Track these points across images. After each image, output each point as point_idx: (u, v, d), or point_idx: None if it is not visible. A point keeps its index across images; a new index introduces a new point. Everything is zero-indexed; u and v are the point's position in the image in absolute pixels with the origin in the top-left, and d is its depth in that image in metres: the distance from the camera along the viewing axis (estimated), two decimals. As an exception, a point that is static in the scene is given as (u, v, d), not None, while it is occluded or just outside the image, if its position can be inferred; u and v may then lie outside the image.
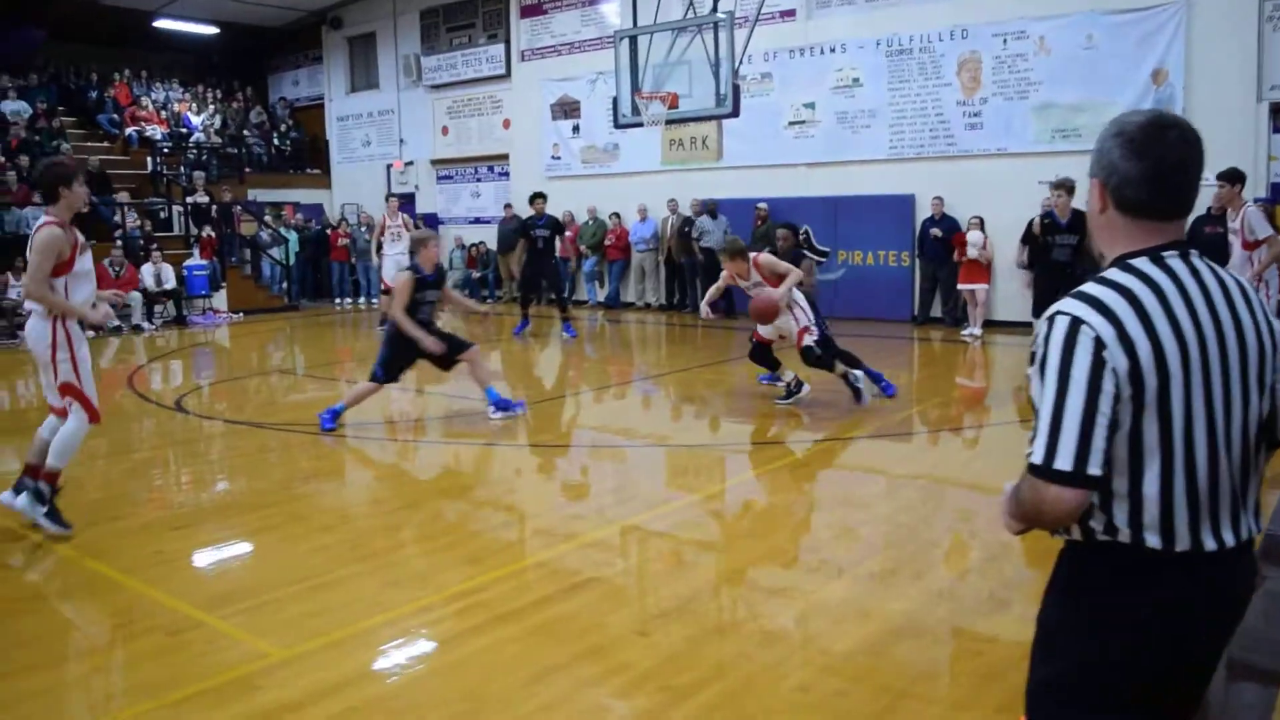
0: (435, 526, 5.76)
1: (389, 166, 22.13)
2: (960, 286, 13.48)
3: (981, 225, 13.23)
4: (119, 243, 16.76)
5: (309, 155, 23.40)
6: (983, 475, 6.62)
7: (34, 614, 4.45)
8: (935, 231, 14.03)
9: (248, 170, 21.55)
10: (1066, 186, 9.48)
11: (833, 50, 15.32)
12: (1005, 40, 13.69)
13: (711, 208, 16.06)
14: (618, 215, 17.62)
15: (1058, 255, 9.55)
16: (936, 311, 14.56)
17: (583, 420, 9.29)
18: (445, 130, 21.16)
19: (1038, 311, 9.31)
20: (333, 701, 3.53)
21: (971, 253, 13.17)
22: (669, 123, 13.01)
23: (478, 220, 20.67)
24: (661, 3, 12.71)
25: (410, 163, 21.78)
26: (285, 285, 19.28)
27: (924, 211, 14.42)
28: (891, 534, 5.38)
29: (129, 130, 20.65)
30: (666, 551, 5.24)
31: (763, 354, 8.91)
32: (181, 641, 4.06)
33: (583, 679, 3.68)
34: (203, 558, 5.29)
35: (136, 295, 16.01)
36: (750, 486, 6.63)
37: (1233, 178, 8.72)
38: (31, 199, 16.67)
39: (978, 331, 12.98)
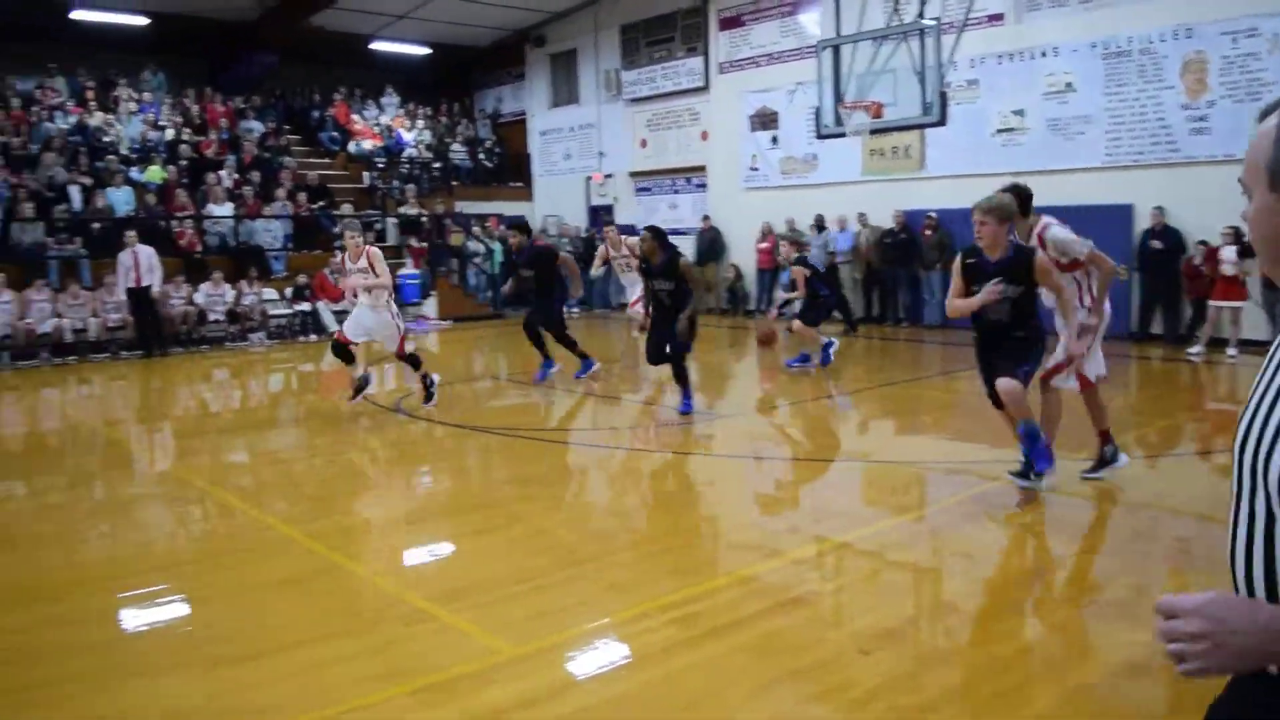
0: (644, 535, 5.87)
1: (588, 179, 22.68)
2: (1213, 304, 12.42)
3: (1237, 238, 12.13)
4: (339, 253, 17.75)
5: (512, 169, 24.22)
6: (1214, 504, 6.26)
7: (286, 598, 4.77)
8: (1155, 244, 13.32)
9: (455, 183, 22.50)
10: None
11: (1043, 54, 14.79)
12: (1234, 39, 12.89)
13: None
14: (819, 225, 17.39)
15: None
16: (1157, 328, 13.79)
17: (781, 433, 9.27)
18: (644, 143, 21.52)
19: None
20: (562, 702, 3.64)
21: (1227, 269, 12.22)
22: (872, 133, 12.85)
23: (675, 231, 20.86)
24: (864, 11, 12.58)
25: (609, 175, 22.25)
26: (490, 294, 20.02)
27: (1143, 222, 13.70)
28: (1123, 564, 5.15)
29: (348, 146, 21.88)
30: (881, 570, 5.18)
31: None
32: (416, 632, 4.28)
33: (806, 695, 3.68)
34: (431, 553, 5.56)
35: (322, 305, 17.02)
36: (964, 508, 6.47)
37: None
38: (261, 211, 17.90)
39: (1203, 350, 12.18)
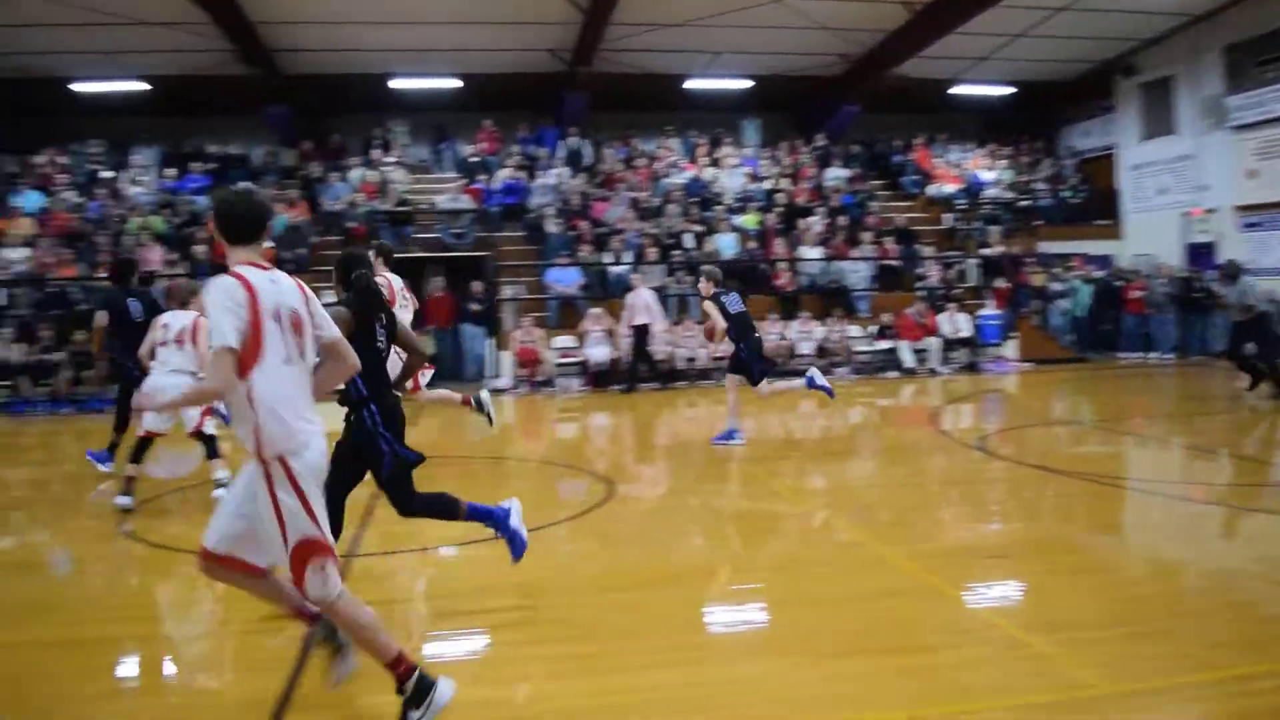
0: (1240, 599, 5.52)
1: (1185, 214, 21.06)
2: None
3: None
4: (921, 293, 18.36)
5: (1098, 206, 23.18)
6: None
7: (878, 608, 5.22)
8: None
9: (1038, 223, 22.06)
10: None
11: None
12: None
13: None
14: None
15: None
16: None
17: None
18: (1253, 173, 19.56)
19: None
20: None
21: None
22: None
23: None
24: None
25: (1211, 210, 20.49)
26: (1074, 336, 19.38)
27: None
28: None
29: (928, 189, 22.42)
30: None
31: None
32: (1004, 655, 4.51)
33: None
34: (1019, 585, 5.74)
35: (934, 341, 17.42)
36: None
37: None
38: (848, 254, 18.96)
39: None
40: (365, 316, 5.04)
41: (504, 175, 20.48)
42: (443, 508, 5.36)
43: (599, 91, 20.79)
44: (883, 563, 6.08)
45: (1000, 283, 19.16)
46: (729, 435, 10.64)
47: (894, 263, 19.48)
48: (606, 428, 13.30)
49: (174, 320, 8.07)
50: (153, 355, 8.26)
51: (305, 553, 3.58)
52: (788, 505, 8.02)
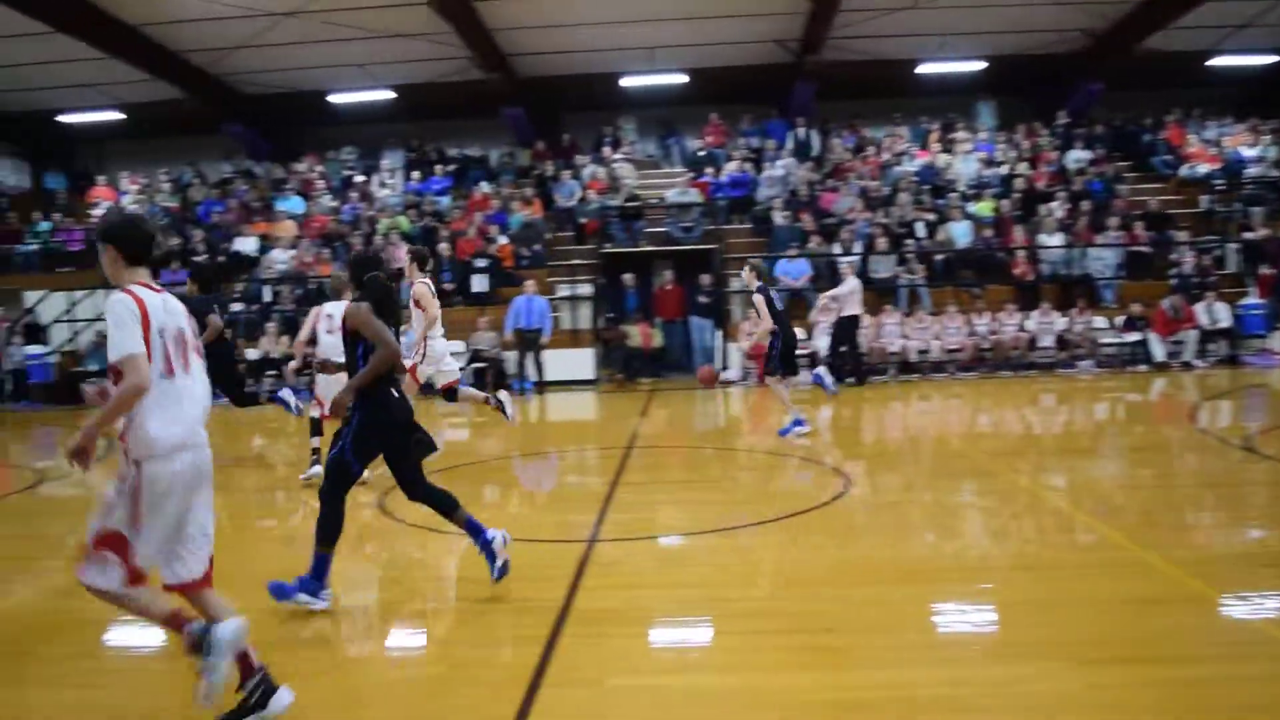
0: None
1: None
2: None
3: None
4: (1174, 281, 17.21)
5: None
6: None
7: (1141, 615, 4.94)
8: None
9: (1305, 204, 20.23)
10: None
11: None
12: None
13: None
14: None
15: None
16: None
17: None
18: None
19: None
20: None
21: None
22: None
23: None
24: None
25: None
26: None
27: None
28: None
29: (1181, 170, 20.93)
30: None
31: None
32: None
33: None
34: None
35: (1190, 333, 16.27)
36: None
37: None
38: (1093, 240, 17.99)
39: None
40: (381, 315, 5.16)
41: (731, 168, 20.55)
42: (331, 523, 5.24)
43: (827, 80, 20.52)
44: (1140, 566, 5.74)
45: (1265, 269, 17.68)
46: (797, 424, 10.78)
47: (1144, 249, 18.31)
48: (836, 420, 13.17)
49: (336, 310, 8.55)
50: (312, 341, 9.12)
51: (103, 543, 3.72)
52: (1030, 503, 7.70)
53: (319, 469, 8.59)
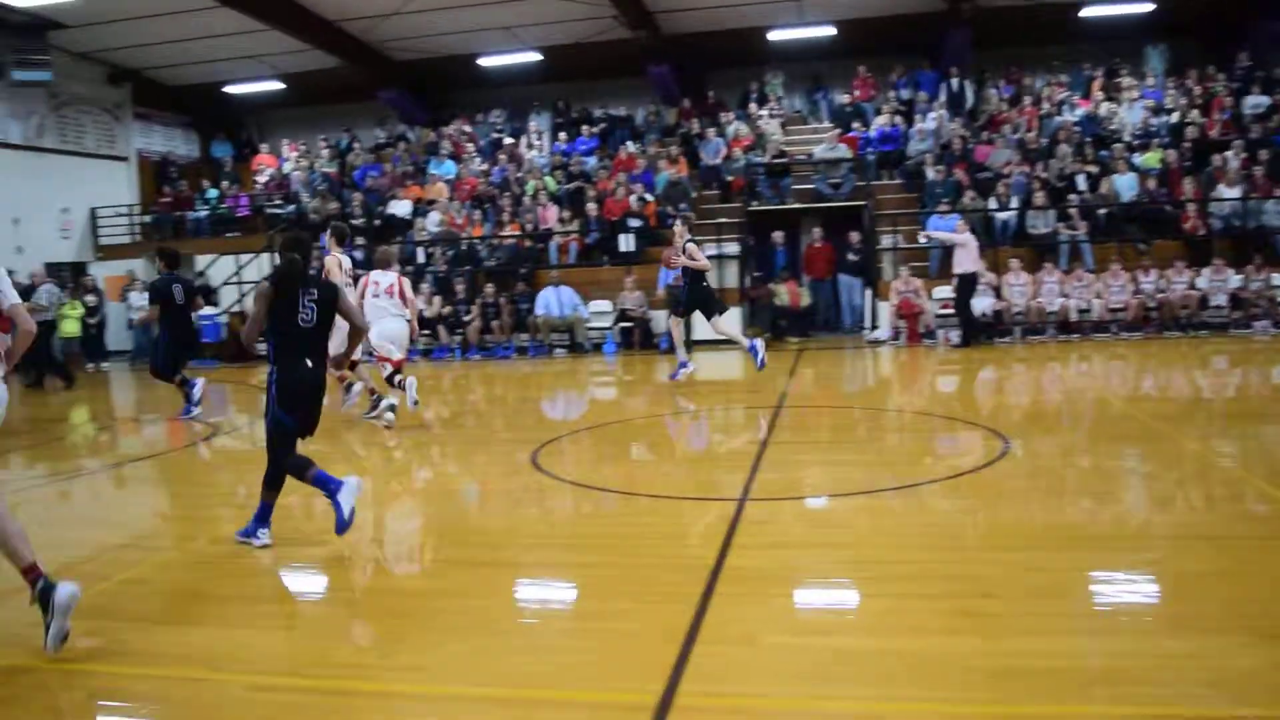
0: None
1: None
2: None
3: None
4: None
5: None
6: None
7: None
8: None
9: None
10: None
11: None
12: None
13: None
14: None
15: None
16: None
17: None
18: None
19: None
20: None
21: None
22: None
23: None
24: None
25: None
26: None
27: None
28: None
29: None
30: None
31: None
32: None
33: None
34: None
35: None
36: None
37: None
38: (1272, 192, 16.88)
39: None
40: (285, 292, 5.70)
41: (880, 122, 20.04)
42: (297, 469, 5.75)
43: (982, 27, 19.67)
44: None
45: None
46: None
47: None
48: (989, 381, 12.78)
49: (382, 278, 10.13)
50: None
51: None
52: (1199, 469, 7.32)
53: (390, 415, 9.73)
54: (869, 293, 17.47)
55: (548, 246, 18.93)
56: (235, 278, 20.16)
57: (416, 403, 10.01)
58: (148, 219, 22.64)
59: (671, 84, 22.30)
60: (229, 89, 23.49)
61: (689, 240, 12.16)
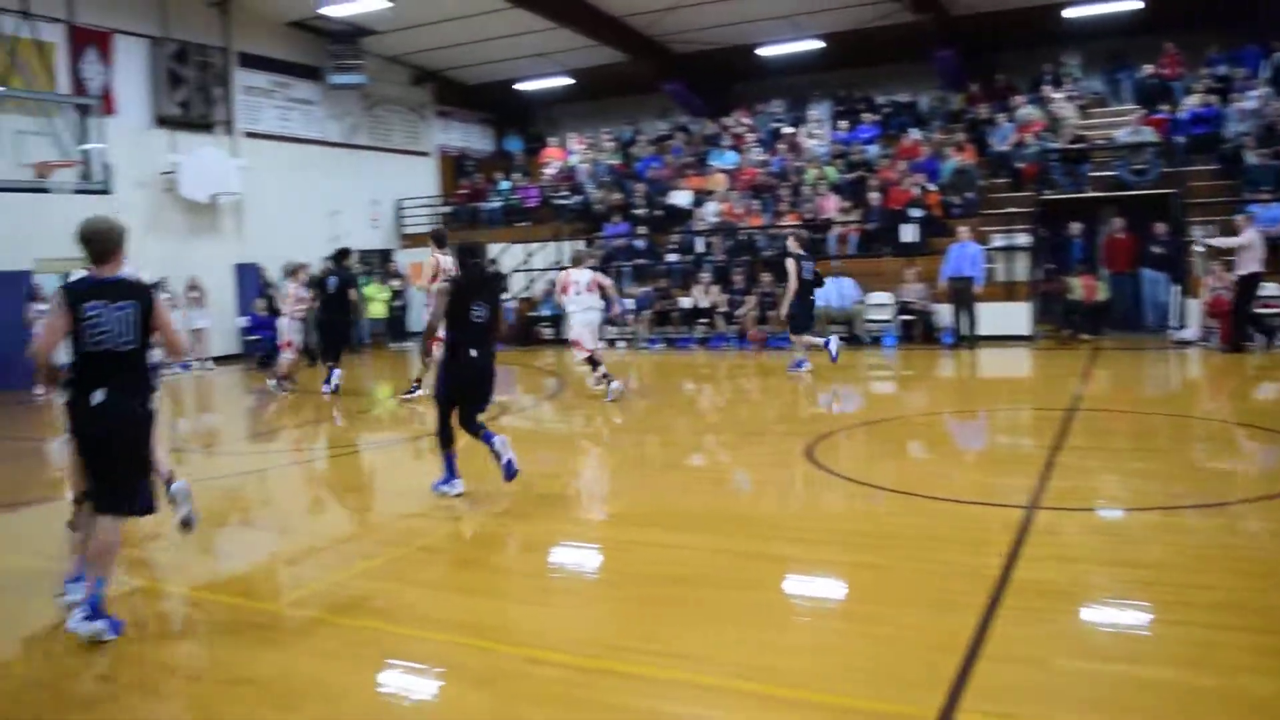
0: None
1: None
2: None
3: None
4: None
5: None
6: None
7: None
8: None
9: None
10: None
11: None
12: None
13: None
14: None
15: None
16: None
17: None
18: None
19: None
20: None
21: None
22: None
23: None
24: None
25: None
26: None
27: None
28: None
29: None
30: None
31: None
32: None
33: None
34: None
35: None
36: None
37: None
38: None
39: None
40: (463, 295, 6.80)
41: (1192, 102, 18.37)
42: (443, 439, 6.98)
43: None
44: None
45: None
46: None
47: None
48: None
49: (581, 277, 11.78)
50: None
51: None
52: None
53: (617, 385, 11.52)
54: (1176, 289, 16.09)
55: (826, 237, 18.64)
56: (524, 265, 21.12)
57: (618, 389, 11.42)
58: (447, 209, 24.10)
59: (957, 68, 21.39)
60: (520, 86, 24.60)
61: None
